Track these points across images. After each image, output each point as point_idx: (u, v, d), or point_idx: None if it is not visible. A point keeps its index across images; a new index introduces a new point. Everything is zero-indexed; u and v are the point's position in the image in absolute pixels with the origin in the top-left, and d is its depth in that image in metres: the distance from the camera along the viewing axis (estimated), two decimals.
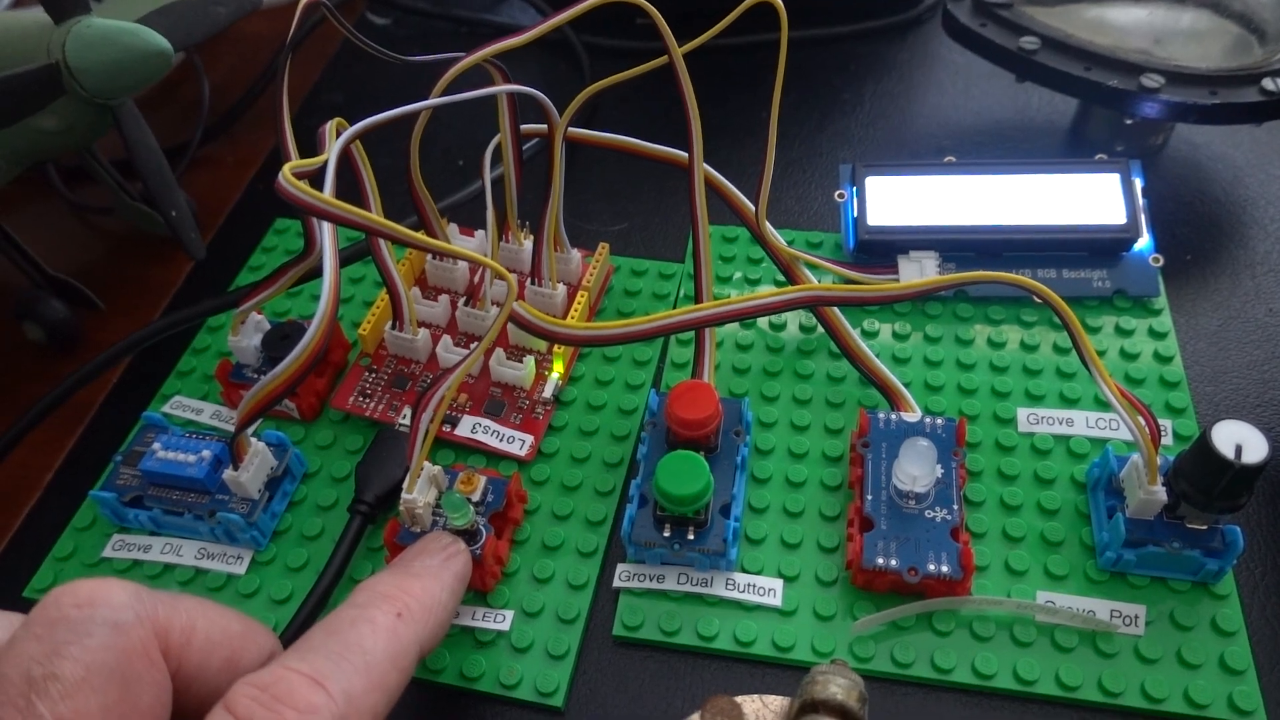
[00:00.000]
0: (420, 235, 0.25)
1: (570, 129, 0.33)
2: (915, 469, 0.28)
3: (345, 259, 0.36)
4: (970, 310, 0.36)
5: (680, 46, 0.31)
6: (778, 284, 0.37)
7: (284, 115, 0.30)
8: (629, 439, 0.33)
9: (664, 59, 0.31)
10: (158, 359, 0.37)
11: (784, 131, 0.45)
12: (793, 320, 0.36)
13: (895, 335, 0.35)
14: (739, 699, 0.25)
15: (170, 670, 0.20)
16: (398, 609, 0.23)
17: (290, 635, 0.28)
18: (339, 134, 0.31)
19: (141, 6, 0.32)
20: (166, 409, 0.35)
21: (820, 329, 0.35)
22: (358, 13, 0.55)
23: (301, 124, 0.49)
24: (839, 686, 0.24)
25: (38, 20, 0.30)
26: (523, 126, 0.34)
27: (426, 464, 0.28)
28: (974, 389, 0.33)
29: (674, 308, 0.37)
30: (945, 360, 0.34)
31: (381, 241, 0.33)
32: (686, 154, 0.34)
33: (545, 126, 0.33)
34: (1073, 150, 0.43)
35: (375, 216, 0.25)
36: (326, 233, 0.26)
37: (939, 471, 0.29)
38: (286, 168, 0.25)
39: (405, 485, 0.28)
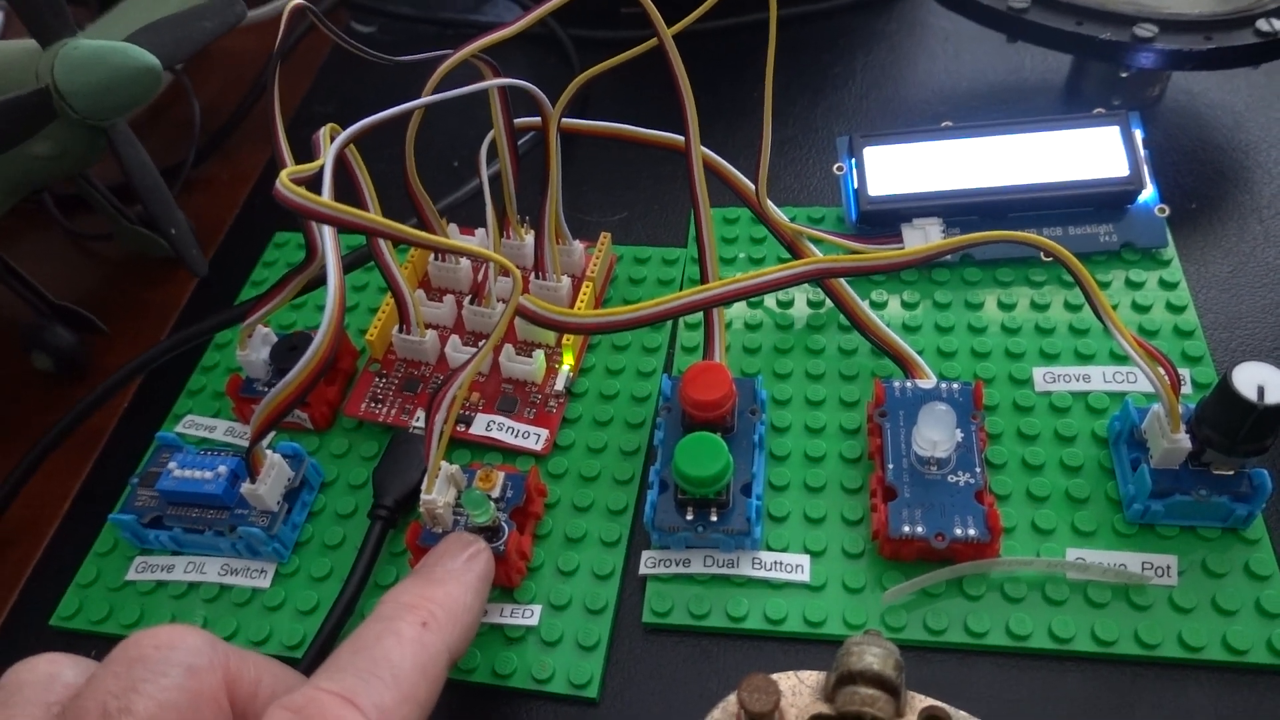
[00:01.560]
0: (423, 233, 0.25)
1: (564, 119, 0.33)
2: (935, 434, 0.28)
3: (348, 265, 0.36)
4: (978, 274, 0.35)
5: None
6: (782, 261, 0.37)
7: (277, 123, 0.30)
8: (644, 426, 0.33)
9: (653, 42, 0.31)
10: (166, 380, 0.37)
11: (777, 109, 0.44)
12: (800, 296, 0.36)
13: (904, 304, 0.35)
14: (775, 676, 0.25)
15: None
16: (423, 618, 0.23)
17: (319, 645, 0.28)
18: (334, 139, 0.31)
19: (127, 26, 0.32)
20: (180, 428, 0.35)
21: (828, 303, 0.35)
22: (342, 22, 0.55)
23: (294, 135, 0.48)
24: (874, 656, 0.24)
25: (25, 47, 0.30)
26: (516, 121, 0.34)
27: (444, 464, 0.28)
28: (987, 352, 0.33)
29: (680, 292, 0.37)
30: (956, 325, 0.34)
31: (383, 245, 0.32)
32: (682, 137, 0.34)
33: (538, 119, 0.33)
34: (1069, 107, 0.43)
35: (376, 217, 0.25)
36: (328, 238, 0.26)
37: (959, 435, 0.28)
38: (284, 174, 0.24)
39: (424, 486, 0.28)
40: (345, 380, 0.35)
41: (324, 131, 0.30)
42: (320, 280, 0.33)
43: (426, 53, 0.32)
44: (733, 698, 0.25)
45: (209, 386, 0.36)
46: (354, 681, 0.20)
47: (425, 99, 0.30)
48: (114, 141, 0.31)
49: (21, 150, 0.29)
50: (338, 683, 0.20)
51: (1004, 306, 0.34)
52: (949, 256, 0.35)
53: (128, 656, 0.19)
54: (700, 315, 0.35)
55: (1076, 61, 0.43)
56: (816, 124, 0.44)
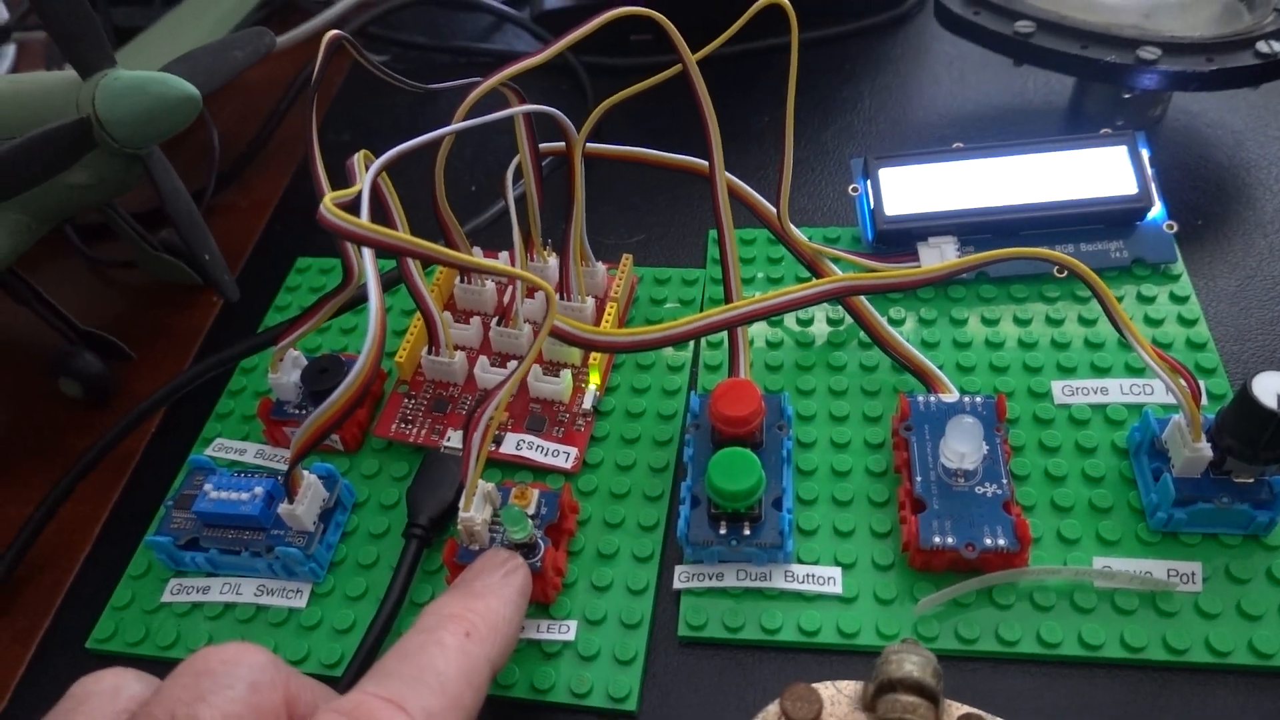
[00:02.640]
0: (463, 255, 0.26)
1: (588, 144, 0.34)
2: (963, 446, 0.28)
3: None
4: (993, 291, 0.36)
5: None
6: (800, 281, 0.38)
7: (315, 150, 0.30)
8: (671, 443, 0.33)
9: (677, 68, 0.32)
10: (190, 404, 0.37)
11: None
12: (820, 315, 0.37)
13: (921, 321, 0.36)
14: (815, 686, 0.25)
15: None
16: (465, 628, 0.23)
17: (359, 663, 0.28)
18: (367, 165, 0.31)
19: (161, 56, 0.32)
20: (210, 451, 0.35)
21: (847, 321, 0.36)
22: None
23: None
24: (913, 664, 0.24)
25: (65, 78, 0.31)
26: (540, 145, 0.34)
27: (480, 481, 0.28)
28: (1005, 366, 0.34)
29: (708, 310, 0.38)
30: (974, 341, 0.35)
31: (413, 267, 0.33)
32: (703, 161, 0.35)
33: (562, 145, 0.34)
34: (1072, 128, 0.44)
35: (417, 239, 0.25)
36: (368, 260, 0.27)
37: (984, 448, 0.29)
38: (327, 198, 0.25)
39: (462, 504, 0.28)
40: (374, 402, 0.36)
41: (358, 158, 0.31)
42: (353, 303, 0.34)
43: (446, 81, 0.33)
44: (772, 708, 0.26)
45: (237, 410, 0.37)
46: (401, 687, 0.21)
47: (457, 125, 0.30)
48: (150, 169, 0.31)
49: (59, 180, 0.30)
50: (385, 688, 0.21)
51: (1020, 322, 0.35)
52: (965, 274, 0.36)
53: (194, 670, 0.20)
54: (723, 334, 0.35)
55: (1080, 84, 0.44)
56: (827, 146, 0.45)
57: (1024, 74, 0.46)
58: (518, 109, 0.32)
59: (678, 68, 0.33)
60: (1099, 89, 0.43)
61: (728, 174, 0.34)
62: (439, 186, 0.33)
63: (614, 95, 0.33)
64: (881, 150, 0.44)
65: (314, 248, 0.43)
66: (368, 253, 0.27)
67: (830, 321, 0.36)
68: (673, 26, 0.30)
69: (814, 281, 0.32)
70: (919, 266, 0.36)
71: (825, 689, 0.25)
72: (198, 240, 0.32)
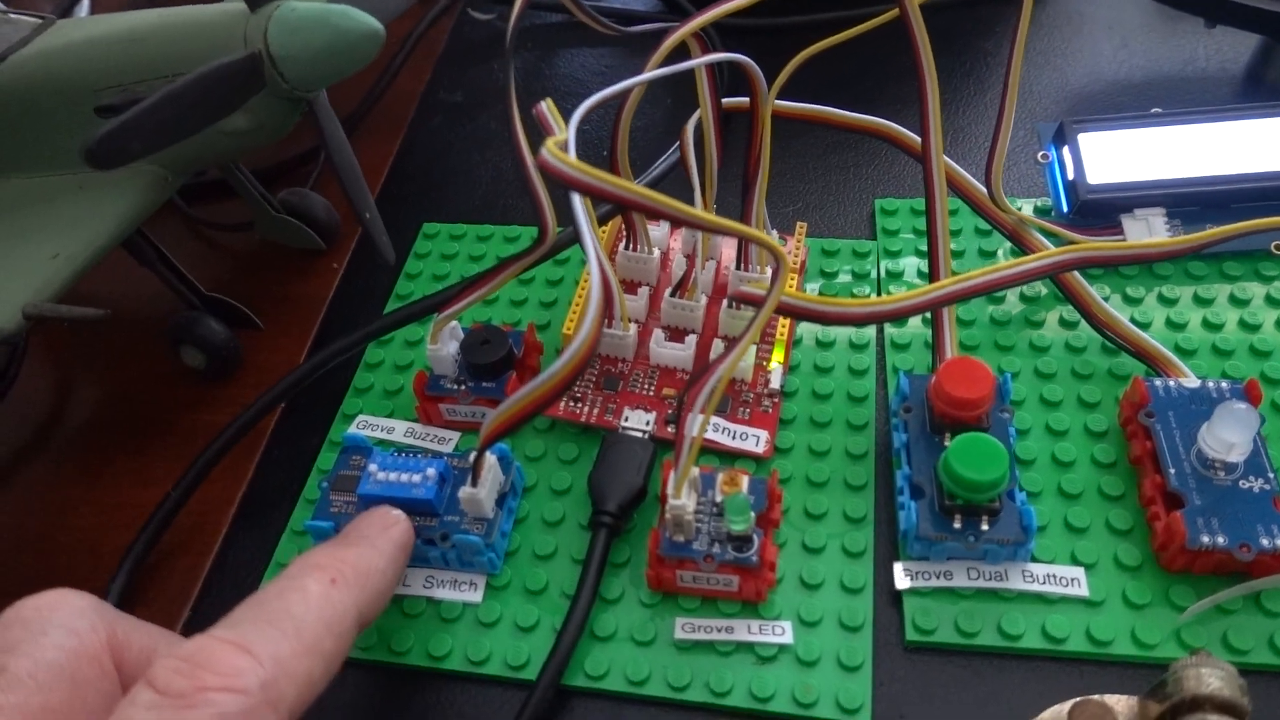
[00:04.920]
0: (695, 210, 0.23)
1: (776, 102, 0.31)
2: (1234, 436, 0.25)
3: (544, 256, 0.32)
4: (1204, 268, 0.33)
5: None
6: (984, 255, 0.35)
7: (513, 106, 0.27)
8: (868, 428, 0.30)
9: (893, 13, 0.29)
10: (317, 379, 0.34)
11: (944, 99, 0.42)
12: (1012, 292, 0.34)
13: (1127, 299, 0.33)
14: (1080, 701, 0.23)
15: (124, 685, 0.20)
16: (331, 575, 0.22)
17: (555, 665, 0.25)
18: (562, 114, 0.29)
19: None
20: (354, 429, 0.32)
21: (1043, 298, 0.33)
22: (457, 9, 0.52)
23: (421, 125, 0.47)
24: (1219, 679, 0.21)
25: (226, 10, 0.28)
26: (724, 101, 0.31)
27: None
28: (1230, 350, 0.31)
29: (878, 286, 0.35)
30: (1189, 321, 0.32)
31: (594, 229, 0.30)
32: (892, 124, 0.32)
33: (745, 100, 0.31)
34: (1249, 97, 0.41)
35: (652, 192, 0.22)
36: (580, 212, 0.24)
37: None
38: (550, 141, 0.22)
39: (672, 491, 0.26)
40: (530, 378, 0.33)
41: (545, 105, 0.28)
42: (527, 267, 0.31)
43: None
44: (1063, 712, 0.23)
45: (377, 385, 0.34)
46: (249, 631, 0.20)
47: (649, 74, 0.28)
48: (317, 115, 0.28)
49: (218, 125, 0.27)
50: (233, 632, 0.19)
51: (1237, 302, 0.32)
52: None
53: (7, 620, 0.20)
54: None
55: (1264, 49, 0.41)
56: (987, 112, 0.42)
57: (1193, 40, 0.43)
58: (704, 59, 0.29)
59: (885, 16, 0.30)
60: None
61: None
62: (621, 142, 0.30)
63: (814, 46, 0.30)
64: (1043, 116, 0.41)
65: (434, 213, 0.40)
66: (578, 206, 0.24)
67: (1024, 298, 0.33)
68: None
69: (1056, 250, 0.29)
70: (1124, 240, 0.33)
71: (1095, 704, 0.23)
72: (359, 196, 0.29)
